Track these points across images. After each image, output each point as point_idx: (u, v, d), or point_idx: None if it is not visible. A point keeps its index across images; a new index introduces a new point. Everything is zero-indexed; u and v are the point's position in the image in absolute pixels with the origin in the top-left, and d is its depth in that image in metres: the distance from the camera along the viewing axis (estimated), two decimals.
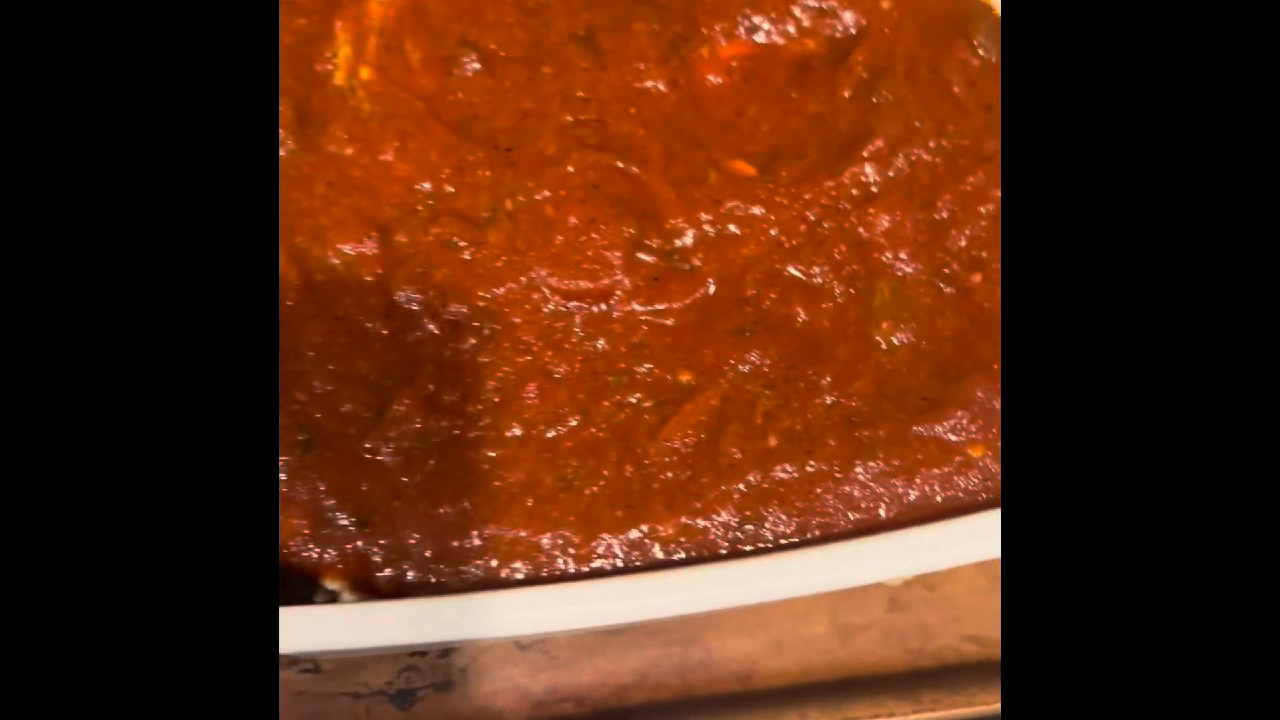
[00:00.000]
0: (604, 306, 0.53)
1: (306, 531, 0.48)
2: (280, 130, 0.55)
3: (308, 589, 0.49)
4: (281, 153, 0.55)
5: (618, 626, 0.63)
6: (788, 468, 0.50)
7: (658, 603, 0.45)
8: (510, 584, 0.48)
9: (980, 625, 0.65)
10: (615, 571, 0.48)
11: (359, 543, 0.48)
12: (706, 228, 0.55)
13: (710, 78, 0.59)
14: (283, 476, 0.49)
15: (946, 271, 0.54)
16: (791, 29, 0.60)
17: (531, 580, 0.48)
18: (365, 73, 0.58)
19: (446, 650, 0.62)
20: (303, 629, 0.44)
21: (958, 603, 0.65)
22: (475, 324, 0.52)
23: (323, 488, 0.49)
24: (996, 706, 0.59)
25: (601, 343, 0.53)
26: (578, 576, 0.48)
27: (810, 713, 0.58)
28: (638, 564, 0.49)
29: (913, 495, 0.50)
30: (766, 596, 0.45)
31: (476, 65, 0.57)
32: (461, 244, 0.53)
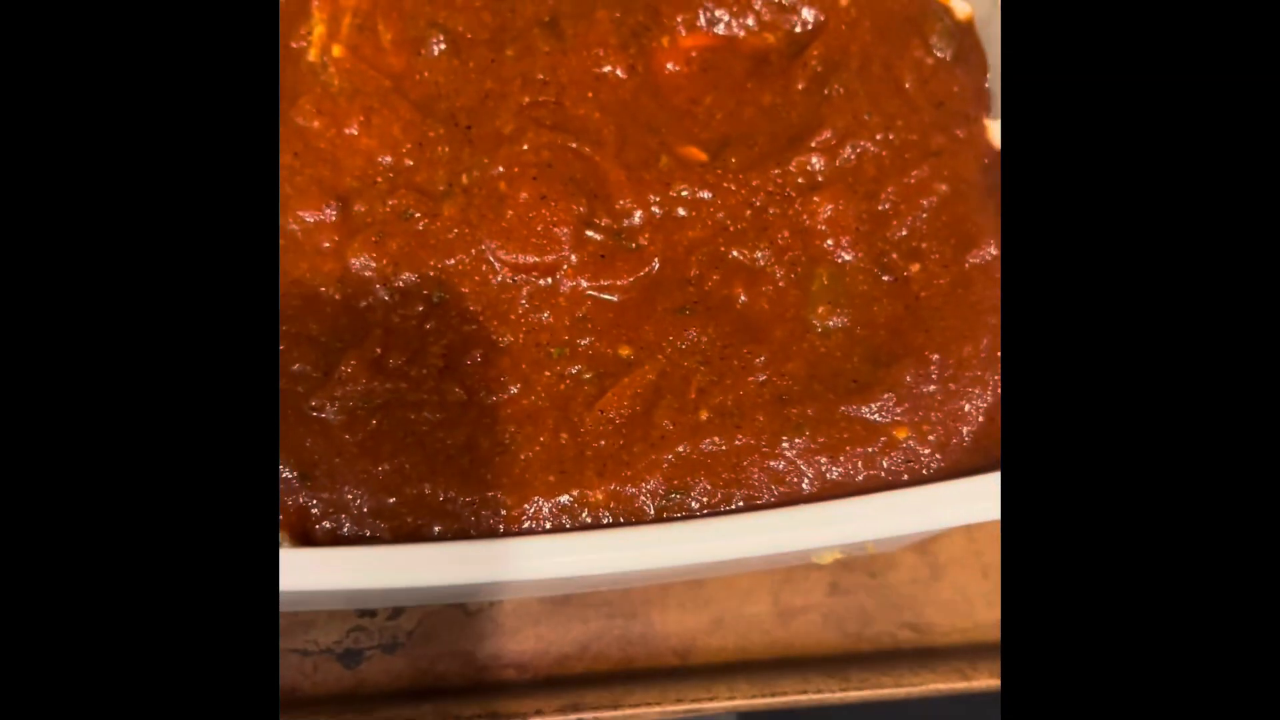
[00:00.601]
0: (550, 280, 0.55)
1: None
2: None
3: None
4: None
5: (561, 596, 0.65)
6: (716, 440, 0.51)
7: (578, 561, 0.47)
8: (440, 539, 0.50)
9: (918, 613, 0.66)
10: (543, 533, 0.50)
11: (300, 496, 0.50)
12: (655, 209, 0.56)
13: (669, 66, 0.61)
14: None
15: (885, 260, 0.56)
16: (751, 22, 0.62)
17: (461, 537, 0.50)
18: (337, 50, 0.60)
19: (395, 612, 0.64)
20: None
21: (898, 590, 0.67)
22: (425, 292, 0.54)
23: None
24: (923, 688, 0.60)
25: (546, 315, 0.54)
26: (506, 536, 0.50)
27: (740, 687, 0.60)
28: (566, 527, 0.50)
29: (835, 473, 0.51)
30: (680, 560, 0.47)
31: (443, 46, 0.59)
32: (417, 215, 0.55)
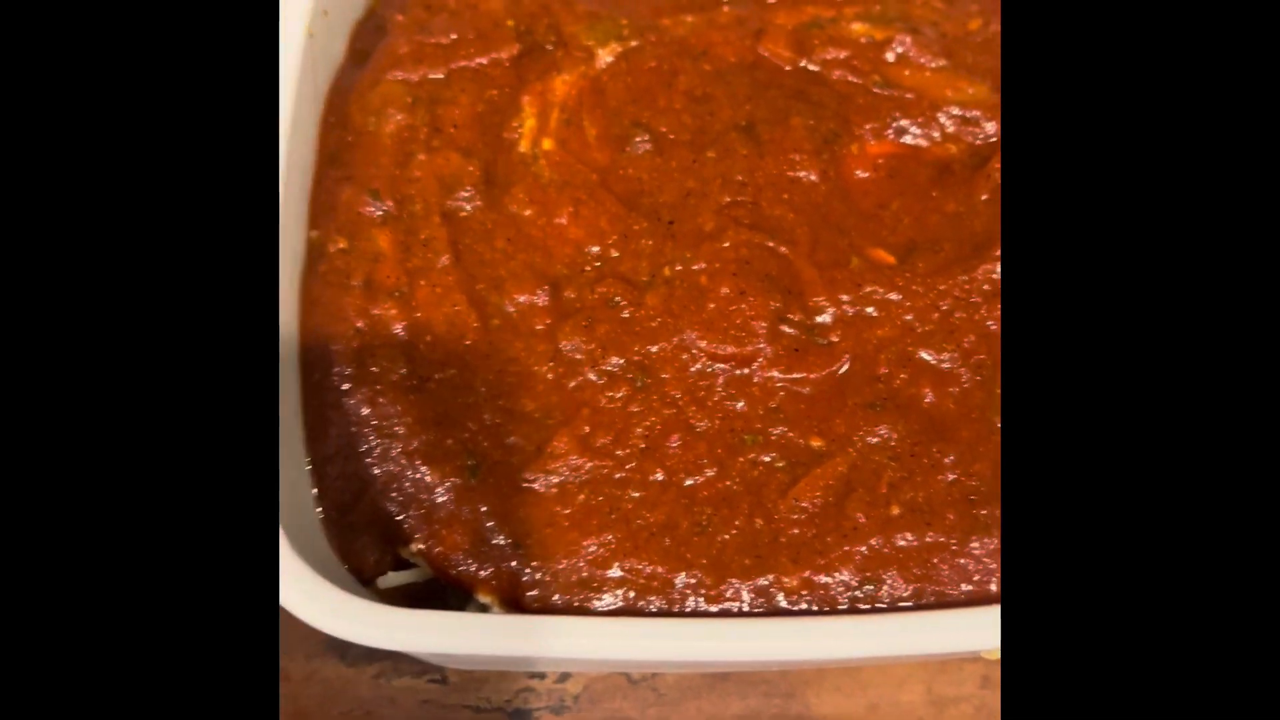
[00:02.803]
0: (746, 370, 0.58)
1: (466, 547, 0.54)
2: (469, 188, 0.62)
3: (461, 601, 0.55)
4: (468, 209, 0.62)
5: (723, 671, 0.67)
6: (908, 536, 0.54)
7: (777, 646, 0.49)
8: (645, 614, 0.52)
9: None
10: (740, 614, 0.53)
11: (513, 563, 0.54)
12: (846, 308, 0.59)
13: (858, 172, 0.64)
14: (449, 496, 0.55)
15: None
16: (936, 134, 0.65)
17: (665, 613, 0.52)
18: (547, 143, 0.64)
19: (563, 676, 0.67)
20: (434, 631, 0.49)
21: None
22: (629, 376, 0.58)
23: (484, 509, 0.54)
24: None
25: (741, 403, 0.57)
26: (707, 615, 0.52)
27: None
28: (760, 610, 0.53)
29: None
30: (872, 653, 0.49)
31: (647, 145, 0.64)
32: (622, 303, 0.59)
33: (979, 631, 0.50)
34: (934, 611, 0.52)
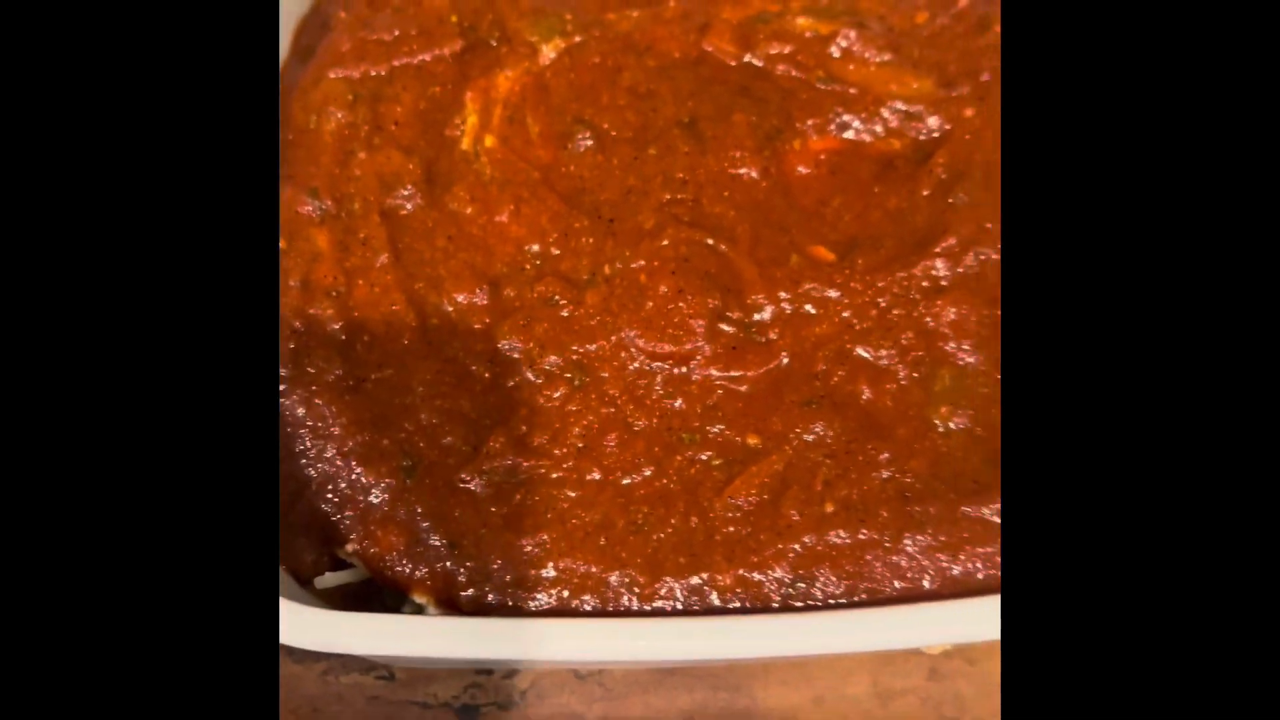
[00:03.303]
0: (684, 369, 0.58)
1: (401, 548, 0.54)
2: (409, 186, 0.62)
3: (397, 601, 0.55)
4: (409, 207, 0.62)
5: (670, 666, 0.67)
6: (842, 533, 0.54)
7: (711, 645, 0.49)
8: (580, 614, 0.53)
9: None
10: (675, 613, 0.53)
11: (448, 563, 0.54)
12: (785, 305, 0.59)
13: (800, 168, 0.64)
14: (385, 497, 0.55)
15: None
16: (879, 129, 0.65)
17: (599, 613, 0.53)
18: (489, 140, 0.64)
19: (510, 672, 0.67)
20: (388, 636, 0.49)
21: (995, 678, 0.68)
22: (567, 375, 0.58)
23: (420, 510, 0.54)
24: None
25: (679, 402, 0.58)
26: (640, 614, 0.53)
27: None
28: (695, 608, 0.53)
29: (956, 570, 0.53)
30: (811, 650, 0.49)
31: (589, 142, 0.64)
32: (562, 302, 0.59)
33: (918, 629, 0.51)
34: (873, 609, 0.52)
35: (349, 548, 0.54)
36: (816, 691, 0.68)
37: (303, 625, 0.49)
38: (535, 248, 0.61)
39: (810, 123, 0.65)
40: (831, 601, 0.53)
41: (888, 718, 0.68)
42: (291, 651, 0.67)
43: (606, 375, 0.58)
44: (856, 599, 0.53)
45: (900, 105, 0.66)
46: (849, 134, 0.65)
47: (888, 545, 0.54)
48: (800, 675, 0.68)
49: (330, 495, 0.55)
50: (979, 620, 0.50)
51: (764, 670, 0.68)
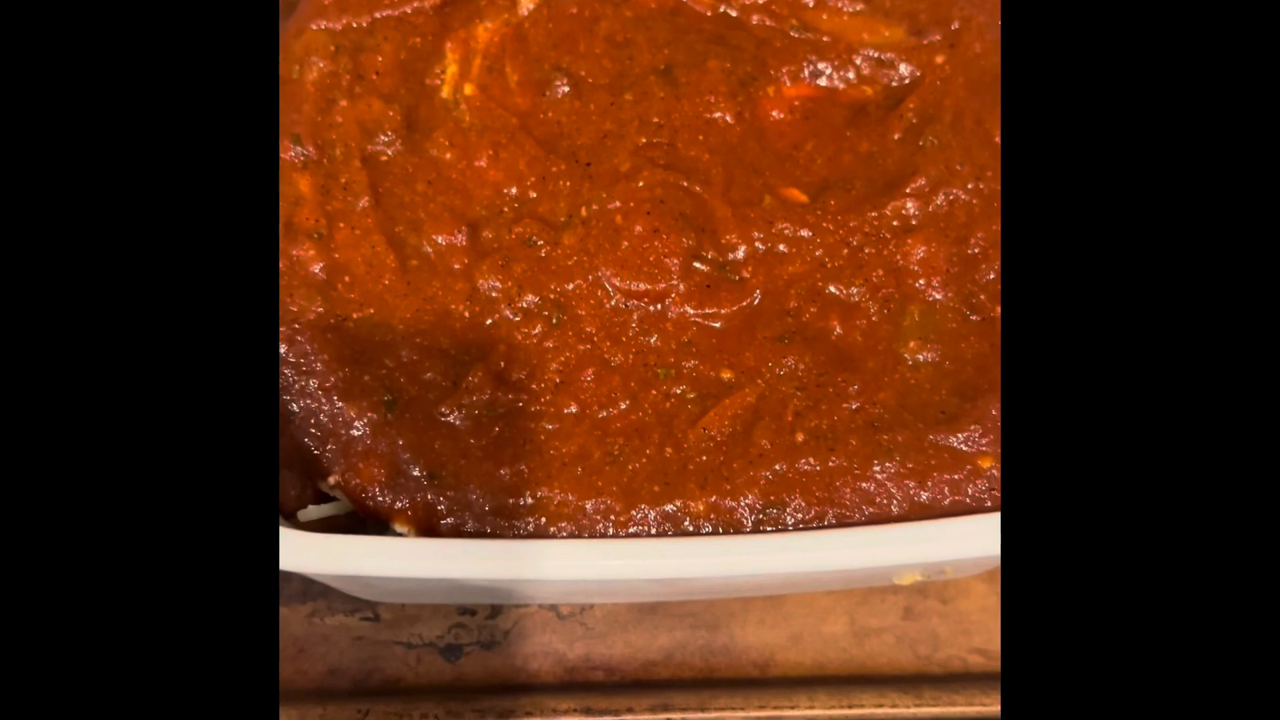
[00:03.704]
0: (659, 307, 0.59)
1: (383, 480, 0.55)
2: (390, 133, 0.63)
3: (380, 530, 0.56)
4: (389, 153, 0.63)
5: (650, 604, 0.68)
6: (811, 461, 0.55)
7: (682, 564, 0.51)
8: (555, 539, 0.54)
9: (988, 639, 0.69)
10: (649, 538, 0.54)
11: (428, 494, 0.55)
12: (758, 245, 0.61)
13: (773, 113, 0.65)
14: (366, 430, 0.56)
15: (974, 301, 0.60)
16: (851, 75, 0.66)
17: (574, 537, 0.54)
18: (469, 89, 0.65)
19: (493, 612, 0.69)
20: (371, 557, 0.51)
21: (968, 617, 0.70)
22: (545, 313, 0.59)
23: (400, 442, 0.56)
24: (995, 709, 0.63)
25: (654, 338, 0.59)
26: (616, 538, 0.54)
27: (820, 698, 0.63)
28: (669, 533, 0.54)
29: (924, 496, 0.55)
30: (780, 568, 0.51)
31: (566, 89, 0.65)
32: (540, 243, 0.60)
33: (892, 548, 0.52)
34: (848, 530, 0.54)
35: (331, 480, 0.56)
36: (794, 630, 0.69)
37: (294, 549, 0.50)
38: (513, 191, 0.62)
39: (784, 70, 0.66)
40: (802, 528, 0.55)
41: (864, 655, 0.69)
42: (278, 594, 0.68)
43: (583, 313, 0.59)
44: (827, 524, 0.54)
45: (872, 53, 0.67)
46: (822, 81, 0.66)
47: (857, 472, 0.55)
48: (778, 614, 0.70)
49: (313, 430, 0.56)
50: (944, 540, 0.52)
51: (742, 609, 0.69)
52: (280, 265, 0.59)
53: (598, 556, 0.51)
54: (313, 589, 0.68)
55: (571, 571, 0.50)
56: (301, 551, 0.50)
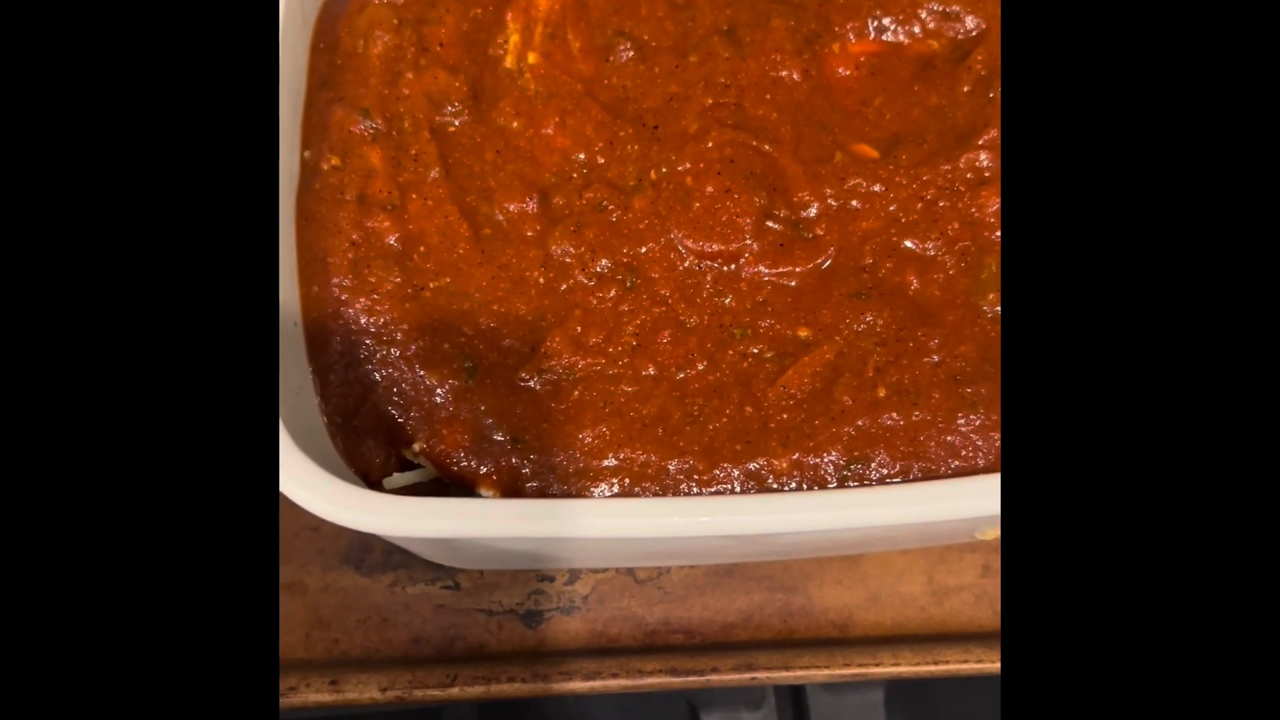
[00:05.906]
0: (733, 267, 0.59)
1: (466, 445, 0.56)
2: (456, 103, 0.63)
3: (465, 495, 0.57)
4: (456, 124, 0.63)
5: (727, 566, 0.69)
6: (895, 416, 0.55)
7: (769, 519, 0.51)
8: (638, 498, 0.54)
9: None
10: (733, 494, 0.54)
11: (512, 458, 0.55)
12: (830, 202, 0.60)
13: (840, 70, 0.65)
14: (448, 397, 0.57)
15: None
16: (917, 29, 0.66)
17: (658, 497, 0.54)
18: (532, 57, 0.65)
19: (572, 578, 0.69)
20: (460, 518, 0.51)
21: None
22: (619, 277, 0.59)
23: (482, 408, 0.56)
24: None
25: (729, 299, 0.59)
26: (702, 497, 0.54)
27: (904, 654, 0.63)
28: (753, 491, 0.54)
29: None
30: (871, 521, 0.50)
31: (630, 53, 0.65)
32: (610, 207, 0.60)
33: (975, 500, 0.52)
34: (929, 482, 0.53)
35: (416, 447, 0.56)
36: (871, 590, 0.69)
37: (379, 511, 0.50)
38: (581, 156, 0.62)
39: (849, 26, 0.65)
40: (888, 482, 0.54)
41: (943, 614, 0.69)
42: (360, 565, 0.69)
43: (657, 276, 0.59)
44: (912, 478, 0.54)
45: (937, 6, 0.66)
46: (886, 36, 0.66)
47: (941, 425, 0.55)
48: (855, 575, 0.69)
49: (395, 398, 0.57)
50: None
51: (819, 570, 0.69)
52: (355, 237, 0.59)
53: (686, 514, 0.51)
54: (393, 559, 0.69)
55: (661, 529, 0.50)
56: (388, 514, 0.50)
